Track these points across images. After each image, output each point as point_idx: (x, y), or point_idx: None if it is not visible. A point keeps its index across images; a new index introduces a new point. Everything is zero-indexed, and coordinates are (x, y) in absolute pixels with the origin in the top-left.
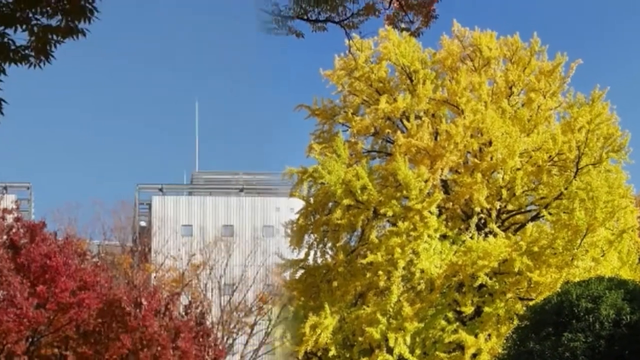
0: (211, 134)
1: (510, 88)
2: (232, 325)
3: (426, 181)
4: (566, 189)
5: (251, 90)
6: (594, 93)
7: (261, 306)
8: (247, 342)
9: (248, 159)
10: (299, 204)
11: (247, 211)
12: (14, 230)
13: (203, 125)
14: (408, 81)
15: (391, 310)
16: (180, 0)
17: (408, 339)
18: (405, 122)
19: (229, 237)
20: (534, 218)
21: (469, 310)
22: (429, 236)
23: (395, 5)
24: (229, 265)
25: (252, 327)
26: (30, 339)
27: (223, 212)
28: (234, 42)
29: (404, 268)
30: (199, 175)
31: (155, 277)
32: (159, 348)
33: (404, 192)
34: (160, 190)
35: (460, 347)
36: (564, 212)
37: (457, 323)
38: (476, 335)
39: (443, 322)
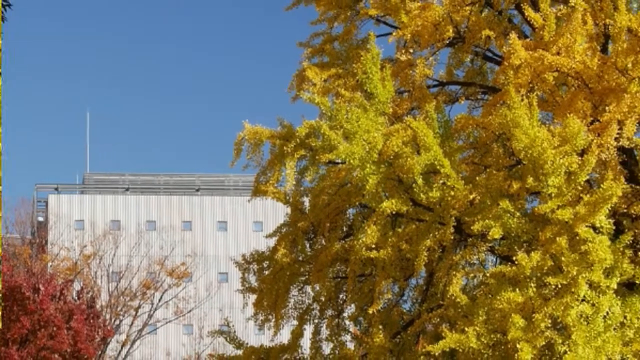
0: (102, 139)
1: None
2: (119, 308)
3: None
4: None
5: (140, 98)
6: None
7: (144, 292)
8: (132, 323)
9: (133, 161)
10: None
11: (132, 208)
12: None
13: (94, 131)
14: None
15: None
16: (78, 11)
17: None
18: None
19: (116, 231)
20: None
21: None
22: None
23: None
24: (116, 256)
25: (136, 310)
26: None
27: (111, 209)
28: (129, 51)
29: None
30: (90, 176)
31: (51, 266)
32: (54, 328)
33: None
34: (56, 189)
35: None
36: None
37: None
38: None
39: None
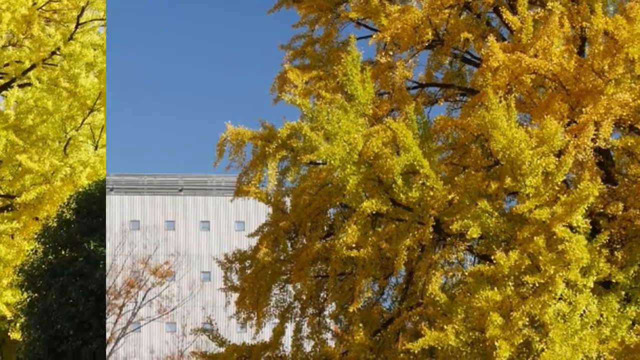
0: None
1: None
2: None
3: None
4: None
5: (124, 100)
6: None
7: (128, 290)
8: (116, 321)
9: (117, 161)
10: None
11: (117, 207)
12: None
13: None
14: None
15: None
16: None
17: None
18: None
19: None
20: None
21: None
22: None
23: None
24: None
25: (120, 308)
26: None
27: None
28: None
29: None
30: None
31: None
32: None
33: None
34: None
35: None
36: None
37: None
38: None
39: None
